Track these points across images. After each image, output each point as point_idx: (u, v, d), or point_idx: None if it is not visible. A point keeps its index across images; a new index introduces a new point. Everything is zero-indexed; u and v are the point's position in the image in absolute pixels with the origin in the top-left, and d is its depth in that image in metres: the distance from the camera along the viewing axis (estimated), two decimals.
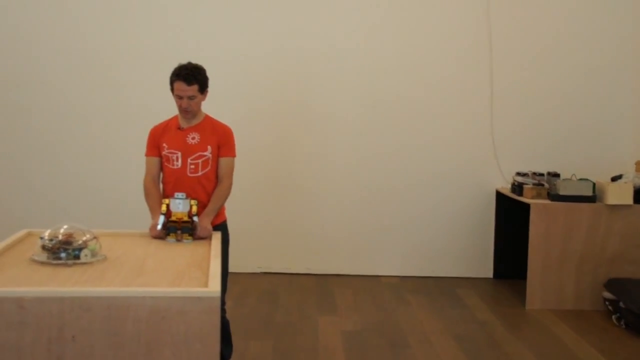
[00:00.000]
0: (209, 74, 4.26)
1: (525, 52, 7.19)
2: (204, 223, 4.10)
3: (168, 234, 3.96)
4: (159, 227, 3.98)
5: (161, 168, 4.33)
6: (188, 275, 3.21)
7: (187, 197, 4.02)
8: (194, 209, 4.00)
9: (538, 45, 7.18)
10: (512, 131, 7.25)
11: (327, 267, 7.32)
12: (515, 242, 7.11)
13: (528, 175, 6.75)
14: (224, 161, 4.32)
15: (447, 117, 7.23)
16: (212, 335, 2.87)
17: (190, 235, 3.96)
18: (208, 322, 2.86)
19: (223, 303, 4.39)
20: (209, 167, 4.25)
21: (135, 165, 7.04)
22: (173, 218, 3.97)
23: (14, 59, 7.08)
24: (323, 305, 6.32)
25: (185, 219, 3.97)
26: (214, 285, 2.95)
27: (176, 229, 3.96)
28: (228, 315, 4.55)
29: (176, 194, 4.01)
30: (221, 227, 4.32)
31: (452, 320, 6.00)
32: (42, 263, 3.31)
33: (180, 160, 4.21)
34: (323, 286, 6.91)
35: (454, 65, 7.18)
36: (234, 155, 4.35)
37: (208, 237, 4.05)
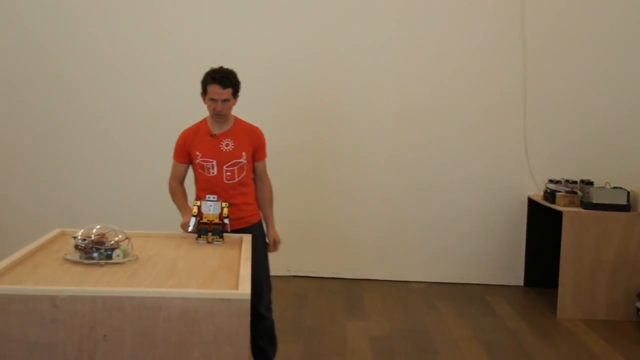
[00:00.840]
0: (243, 74, 4.29)
1: (559, 57, 7.12)
2: (274, 235, 4.41)
3: (199, 236, 3.98)
4: (190, 228, 4.00)
5: (194, 174, 4.35)
6: (218, 278, 3.22)
7: (218, 200, 4.03)
8: (225, 211, 4.02)
9: (573, 50, 7.12)
10: (545, 137, 7.19)
11: (356, 271, 7.31)
12: (546, 250, 7.05)
13: (561, 183, 6.68)
14: (260, 165, 4.39)
15: (480, 122, 7.18)
16: (241, 338, 2.87)
17: (221, 237, 3.97)
18: (237, 325, 2.87)
19: (269, 302, 4.43)
20: (245, 173, 4.28)
21: (166, 166, 7.13)
22: (204, 220, 3.99)
23: (36, 61, 7.15)
24: (351, 310, 6.31)
25: (217, 221, 3.99)
26: (244, 288, 2.96)
27: (207, 230, 3.97)
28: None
29: (208, 196, 4.03)
30: (257, 226, 4.37)
31: (482, 327, 5.96)
32: (75, 262, 3.34)
33: (215, 168, 4.23)
34: (352, 291, 6.90)
35: (487, 69, 7.14)
36: (266, 157, 4.43)
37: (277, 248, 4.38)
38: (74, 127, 7.21)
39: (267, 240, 4.46)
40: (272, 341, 4.54)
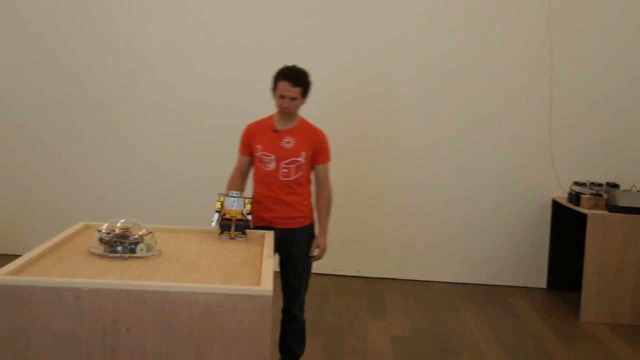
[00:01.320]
0: None
1: (585, 58, 7.06)
2: (320, 242, 4.41)
3: (222, 232, 3.99)
4: (213, 224, 4.01)
5: (253, 167, 4.38)
6: (241, 273, 3.23)
7: (241, 195, 4.05)
8: (248, 207, 4.03)
9: (599, 51, 7.05)
10: (570, 139, 7.13)
11: (377, 270, 7.30)
12: (570, 253, 7.00)
13: (586, 185, 6.63)
14: (321, 168, 4.40)
15: (504, 123, 7.14)
16: (262, 334, 2.88)
17: (244, 233, 3.98)
18: (259, 320, 2.88)
19: (302, 303, 4.44)
20: (302, 172, 4.30)
21: (191, 162, 7.18)
22: (227, 216, 4.00)
23: (69, 55, 7.21)
24: (373, 309, 6.30)
25: (239, 216, 4.00)
26: (266, 284, 2.97)
27: (230, 226, 3.98)
28: (277, 314, 4.55)
29: (231, 192, 4.05)
30: (308, 229, 4.41)
31: (503, 329, 5.93)
32: (99, 255, 3.37)
33: (273, 163, 4.25)
34: (373, 289, 6.89)
35: (513, 70, 7.09)
36: (329, 160, 4.43)
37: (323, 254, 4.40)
38: (101, 122, 7.26)
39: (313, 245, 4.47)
40: (301, 340, 4.56)
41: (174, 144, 7.22)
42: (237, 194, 4.05)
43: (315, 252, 4.44)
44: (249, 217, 4.03)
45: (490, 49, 7.10)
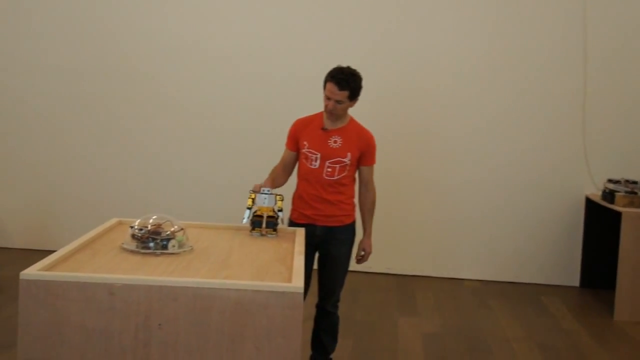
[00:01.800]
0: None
1: (622, 53, 6.97)
2: (365, 245, 4.45)
3: (253, 228, 4.00)
4: (245, 220, 4.02)
5: (298, 162, 4.37)
6: (272, 270, 3.24)
7: (272, 192, 4.05)
8: (280, 204, 4.03)
9: (634, 48, 6.96)
10: (605, 136, 7.04)
11: (408, 267, 7.27)
12: (604, 251, 6.92)
13: (620, 183, 6.55)
14: (366, 170, 4.38)
15: (537, 120, 7.07)
16: (294, 330, 2.88)
17: (275, 230, 3.98)
18: (290, 317, 2.88)
19: (337, 300, 4.44)
20: (346, 173, 4.27)
21: (223, 159, 7.20)
22: (258, 212, 4.01)
23: (98, 53, 7.26)
24: (403, 306, 6.28)
25: (271, 213, 4.00)
26: (298, 281, 2.97)
27: (261, 223, 3.99)
28: (308, 310, 4.55)
29: (262, 189, 4.04)
30: (349, 227, 4.39)
31: (536, 327, 5.88)
32: (132, 252, 3.40)
33: (318, 161, 4.23)
34: (403, 287, 6.87)
35: (547, 66, 7.02)
36: (375, 163, 4.41)
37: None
38: (135, 119, 7.31)
39: (357, 248, 4.47)
40: (334, 337, 4.55)
41: (205, 141, 7.25)
42: (268, 190, 4.04)
43: (361, 254, 4.45)
44: (280, 214, 4.03)
45: (524, 45, 7.03)
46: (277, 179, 4.28)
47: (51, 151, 7.37)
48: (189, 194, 7.26)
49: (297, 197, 4.33)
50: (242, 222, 4.04)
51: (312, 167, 4.24)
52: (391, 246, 7.22)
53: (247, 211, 4.02)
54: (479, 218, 7.19)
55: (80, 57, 7.28)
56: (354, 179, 4.39)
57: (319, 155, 4.22)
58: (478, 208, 7.19)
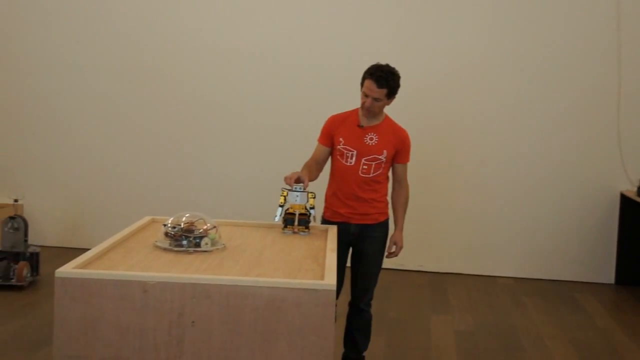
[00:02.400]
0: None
1: None
2: (397, 239, 4.42)
3: (285, 226, 4.00)
4: (277, 218, 4.03)
5: (332, 159, 4.35)
6: (304, 268, 3.24)
7: (305, 190, 4.04)
8: (312, 201, 4.03)
9: None
10: (639, 132, 6.95)
11: (441, 265, 7.24)
12: (639, 247, 6.83)
13: None
14: (400, 167, 4.37)
15: (571, 117, 7.00)
16: (326, 328, 2.88)
17: (307, 227, 3.99)
18: (323, 315, 2.88)
19: (370, 299, 4.44)
20: (381, 170, 4.26)
21: (255, 157, 7.22)
22: (290, 210, 4.01)
23: (132, 52, 7.32)
24: (436, 304, 6.26)
25: (303, 211, 4.00)
26: (330, 279, 2.97)
27: (293, 221, 3.99)
28: (342, 307, 4.55)
29: (295, 186, 4.03)
30: (382, 225, 4.39)
31: (570, 325, 5.82)
32: (165, 249, 3.42)
33: (354, 158, 4.22)
34: (436, 284, 6.84)
35: (581, 62, 6.94)
36: (409, 161, 4.40)
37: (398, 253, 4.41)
38: (167, 119, 7.35)
39: (388, 242, 4.45)
40: (367, 335, 4.54)
41: (238, 139, 7.27)
42: (300, 188, 4.03)
43: (392, 249, 4.42)
44: (312, 211, 4.03)
45: (558, 41, 6.95)
46: (311, 173, 4.25)
47: (85, 151, 7.44)
48: (221, 192, 7.28)
49: (331, 195, 4.32)
50: (274, 219, 4.05)
51: (348, 164, 4.23)
52: (424, 243, 7.19)
53: (279, 209, 4.03)
54: (513, 215, 7.13)
55: (110, 57, 7.34)
56: (387, 177, 4.38)
57: (355, 153, 4.21)
58: (512, 205, 7.13)
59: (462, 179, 7.15)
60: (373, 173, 4.23)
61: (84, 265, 3.05)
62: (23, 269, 5.92)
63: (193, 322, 2.88)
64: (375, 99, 4.11)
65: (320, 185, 4.38)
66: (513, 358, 5.05)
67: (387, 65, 4.17)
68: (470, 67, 7.04)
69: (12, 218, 6.11)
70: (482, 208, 7.15)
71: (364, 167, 4.21)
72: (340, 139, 4.24)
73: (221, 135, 7.31)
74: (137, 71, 7.34)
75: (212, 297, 2.88)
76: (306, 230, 3.98)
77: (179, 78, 7.31)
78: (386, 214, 4.39)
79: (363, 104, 4.16)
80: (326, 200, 4.36)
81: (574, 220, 7.07)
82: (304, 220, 3.99)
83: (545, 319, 5.94)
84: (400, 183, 4.39)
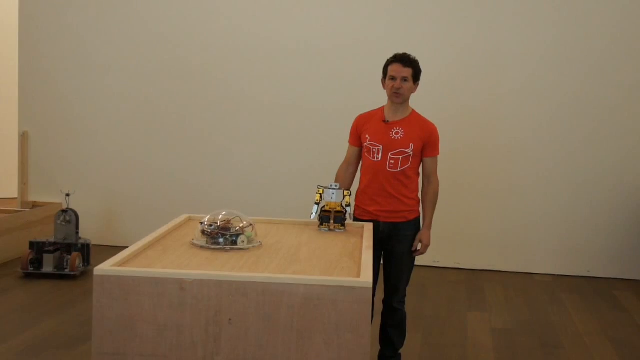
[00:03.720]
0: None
1: None
2: (423, 237, 4.34)
3: (321, 224, 4.00)
4: (313, 216, 4.03)
5: (362, 157, 4.38)
6: (340, 265, 3.23)
7: (340, 187, 4.05)
8: (347, 199, 4.03)
9: None
10: None
11: (477, 262, 7.19)
12: None
13: None
14: (429, 161, 4.35)
15: (609, 112, 6.92)
16: (363, 326, 2.88)
17: (343, 225, 3.98)
18: (359, 312, 2.87)
19: (403, 297, 4.43)
20: (409, 164, 4.25)
21: (291, 155, 7.24)
22: (326, 208, 4.01)
23: (178, 51, 7.39)
24: (472, 301, 6.22)
25: (338, 208, 4.00)
26: (366, 276, 2.96)
27: (329, 218, 3.99)
28: (378, 305, 4.54)
29: (330, 184, 4.04)
30: (413, 223, 4.37)
31: (609, 322, 5.75)
32: (202, 247, 3.43)
33: (380, 154, 4.23)
34: (472, 281, 6.80)
35: (617, 59, 6.86)
36: (438, 154, 4.39)
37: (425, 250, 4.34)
38: (204, 117, 7.41)
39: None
40: (402, 332, 4.52)
41: (274, 137, 7.30)
42: (336, 185, 4.04)
43: (418, 247, 4.38)
44: (348, 209, 4.03)
45: (596, 37, 6.87)
46: (343, 181, 4.35)
47: (122, 150, 7.53)
48: (257, 190, 7.31)
49: (361, 193, 4.33)
50: (310, 217, 4.06)
51: (375, 160, 4.24)
52: (460, 240, 7.16)
53: (315, 206, 4.04)
54: (550, 211, 7.06)
55: (147, 57, 7.43)
56: (418, 173, 4.36)
57: (380, 148, 4.22)
58: (548, 201, 7.06)
59: (498, 176, 7.10)
60: (401, 167, 4.23)
61: (122, 263, 3.08)
62: (76, 259, 6.30)
63: (230, 319, 2.90)
64: (404, 79, 4.17)
65: (354, 185, 4.40)
66: (551, 356, 5.00)
67: (406, 53, 4.27)
68: (507, 64, 6.99)
69: (64, 211, 6.47)
70: (519, 204, 7.09)
71: (391, 161, 4.22)
72: (367, 136, 4.26)
73: (257, 134, 7.34)
74: (173, 71, 7.41)
75: (248, 294, 2.88)
76: (342, 227, 3.98)
77: (214, 76, 7.37)
78: (417, 212, 4.37)
79: (392, 87, 4.19)
80: (356, 199, 4.37)
81: (612, 216, 6.98)
82: (340, 217, 3.99)
83: (583, 317, 5.87)
84: (429, 178, 4.37)
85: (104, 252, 6.73)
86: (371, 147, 4.24)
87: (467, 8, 7.02)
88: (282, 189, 7.27)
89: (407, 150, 4.21)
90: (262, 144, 7.34)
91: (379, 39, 7.02)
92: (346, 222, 4.01)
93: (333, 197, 4.00)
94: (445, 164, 7.01)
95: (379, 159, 4.23)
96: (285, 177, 7.27)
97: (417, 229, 4.38)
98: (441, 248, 7.17)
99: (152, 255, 3.27)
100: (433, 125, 4.33)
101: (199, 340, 2.91)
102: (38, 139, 7.64)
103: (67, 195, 6.60)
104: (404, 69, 4.16)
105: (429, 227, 4.38)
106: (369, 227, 3.97)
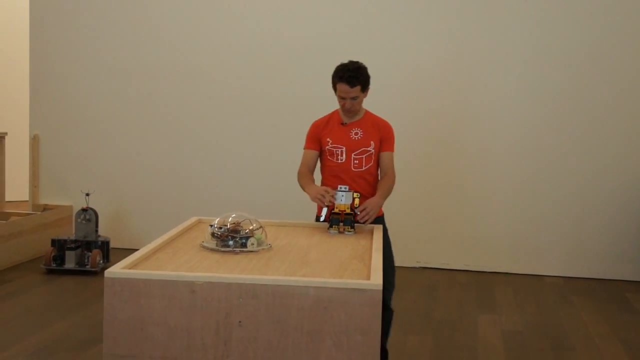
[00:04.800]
0: (377, 71, 4.29)
1: None
2: (370, 204, 4.04)
3: (331, 226, 4.01)
4: (322, 218, 4.04)
5: (322, 162, 4.38)
6: (350, 267, 3.23)
7: (349, 190, 4.05)
8: (357, 201, 4.04)
9: None
10: None
11: (487, 264, 7.18)
12: None
13: None
14: (385, 155, 4.34)
15: (620, 112, 6.89)
16: (373, 328, 2.88)
17: (353, 227, 3.99)
18: (369, 315, 2.87)
19: (390, 293, 4.39)
20: (372, 162, 4.29)
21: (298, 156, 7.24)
22: (335, 210, 4.02)
23: (190, 53, 7.41)
24: (483, 303, 6.20)
25: (348, 211, 4.01)
26: (376, 278, 2.96)
27: (339, 221, 4.00)
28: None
29: (339, 186, 4.05)
30: (381, 219, 4.32)
31: (621, 325, 5.73)
32: (211, 250, 3.44)
33: (344, 155, 4.26)
34: (483, 283, 6.78)
35: (625, 54, 6.84)
36: (393, 151, 4.39)
37: (370, 215, 4.02)
38: (212, 118, 7.43)
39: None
40: (386, 331, 4.43)
41: (283, 140, 7.30)
42: (345, 188, 4.05)
43: (362, 208, 4.06)
44: (357, 211, 4.03)
45: (610, 34, 6.86)
46: (310, 180, 4.28)
47: (132, 152, 7.55)
48: (267, 192, 7.31)
49: None
50: (319, 219, 4.07)
51: (339, 161, 4.27)
52: (470, 243, 7.15)
53: (325, 209, 4.04)
54: (560, 213, 7.04)
55: (157, 60, 7.45)
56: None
57: (344, 149, 4.26)
58: (559, 203, 7.04)
59: (505, 177, 7.08)
60: (365, 166, 4.26)
61: (132, 266, 3.09)
62: (96, 256, 6.57)
63: (240, 322, 2.90)
64: (353, 98, 4.18)
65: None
66: (562, 358, 4.98)
67: (351, 62, 4.22)
68: (513, 60, 6.97)
69: (84, 210, 6.76)
70: (529, 206, 7.08)
71: (355, 161, 4.25)
72: (328, 140, 4.29)
73: (267, 136, 7.34)
74: (184, 73, 7.43)
75: (258, 297, 2.89)
76: (352, 230, 3.98)
77: (225, 78, 7.39)
78: (380, 210, 4.27)
79: (343, 106, 4.22)
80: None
81: (624, 218, 6.96)
82: (349, 220, 4.00)
83: (595, 319, 5.85)
84: (387, 172, 4.32)
85: (116, 254, 6.81)
86: (334, 150, 4.27)
87: (461, 6, 7.00)
88: (292, 191, 7.23)
89: (369, 149, 4.26)
90: (272, 146, 7.33)
91: (380, 41, 7.02)
92: (355, 224, 4.02)
93: (342, 200, 4.01)
94: (456, 166, 7.07)
95: (343, 160, 4.26)
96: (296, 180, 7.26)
97: (385, 223, 4.31)
98: (451, 250, 7.17)
99: (162, 258, 3.28)
100: (388, 123, 4.38)
101: (209, 342, 2.92)
102: (49, 141, 7.68)
103: (87, 194, 6.81)
104: (351, 89, 4.14)
105: (380, 196, 4.17)
106: (378, 229, 3.98)
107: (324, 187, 4.10)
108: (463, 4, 7.01)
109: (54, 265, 6.58)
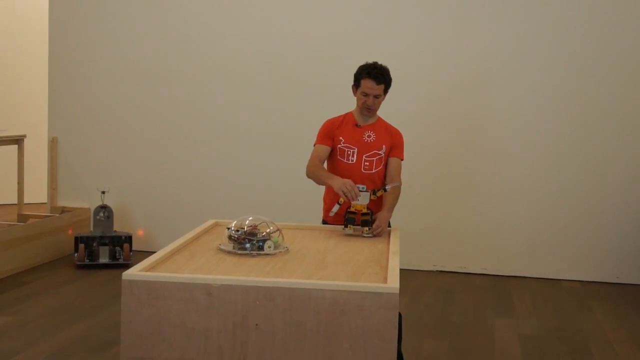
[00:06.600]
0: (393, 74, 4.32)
1: None
2: (381, 219, 4.07)
3: (346, 225, 4.01)
4: (332, 213, 4.06)
5: (330, 162, 4.37)
6: (367, 271, 3.24)
7: (367, 190, 4.04)
8: (379, 194, 4.05)
9: None
10: None
11: (504, 268, 7.14)
12: None
13: None
14: (394, 161, 4.36)
15: (635, 116, 6.84)
16: (390, 331, 2.88)
17: (370, 228, 3.98)
18: (386, 318, 2.88)
19: None
20: (381, 166, 4.31)
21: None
22: (352, 209, 4.01)
23: (207, 55, 7.43)
24: (500, 307, 6.18)
25: (365, 211, 4.00)
26: (393, 282, 2.96)
27: (354, 220, 4.00)
28: (404, 311, 4.51)
29: (357, 186, 4.01)
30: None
31: (639, 330, 5.68)
32: (229, 252, 3.45)
33: (355, 156, 4.28)
34: (500, 287, 6.75)
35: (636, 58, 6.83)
36: (402, 158, 4.42)
37: (383, 230, 4.04)
38: (228, 122, 7.43)
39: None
40: (399, 335, 4.41)
41: (301, 143, 7.29)
42: (363, 187, 4.03)
43: (378, 229, 4.06)
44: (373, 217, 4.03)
45: (620, 35, 6.82)
46: (323, 170, 4.27)
47: (150, 155, 7.57)
48: (283, 195, 7.31)
49: (332, 197, 4.23)
50: (330, 214, 4.09)
51: (349, 162, 4.28)
52: (487, 246, 7.12)
53: (337, 205, 4.04)
54: (578, 216, 6.99)
55: (176, 62, 7.47)
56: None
57: (355, 150, 4.27)
58: (576, 206, 6.99)
59: (523, 180, 7.04)
60: (375, 169, 4.28)
61: (150, 268, 3.11)
62: (128, 249, 6.91)
63: (257, 324, 2.91)
64: (376, 96, 4.22)
65: (317, 187, 4.35)
66: None
67: (377, 63, 4.28)
68: (520, 64, 6.95)
69: (102, 207, 7.00)
70: (546, 210, 7.03)
71: (366, 163, 4.27)
72: (341, 139, 4.31)
73: (284, 139, 7.34)
74: (201, 75, 7.44)
75: (275, 300, 2.89)
76: (369, 232, 3.97)
77: (240, 80, 7.38)
78: None
79: (364, 103, 4.24)
80: (326, 202, 4.39)
81: None
82: (367, 220, 3.99)
83: (613, 324, 5.81)
84: (393, 179, 4.32)
85: (134, 255, 6.86)
86: (346, 150, 4.29)
87: (460, 8, 6.99)
88: (308, 194, 7.24)
89: (380, 152, 4.28)
90: (289, 149, 7.32)
91: (382, 44, 7.01)
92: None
93: (359, 199, 3.99)
94: (474, 169, 7.05)
95: (354, 161, 4.27)
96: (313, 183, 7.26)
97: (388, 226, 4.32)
98: (468, 254, 7.14)
99: (179, 260, 3.30)
100: (399, 131, 4.43)
101: (225, 345, 2.93)
102: (67, 144, 7.72)
103: (103, 192, 7.00)
104: (377, 86, 4.19)
105: (388, 210, 4.18)
106: (395, 233, 3.97)
107: (349, 180, 4.00)
108: (467, 7, 7.00)
109: (88, 261, 6.81)
